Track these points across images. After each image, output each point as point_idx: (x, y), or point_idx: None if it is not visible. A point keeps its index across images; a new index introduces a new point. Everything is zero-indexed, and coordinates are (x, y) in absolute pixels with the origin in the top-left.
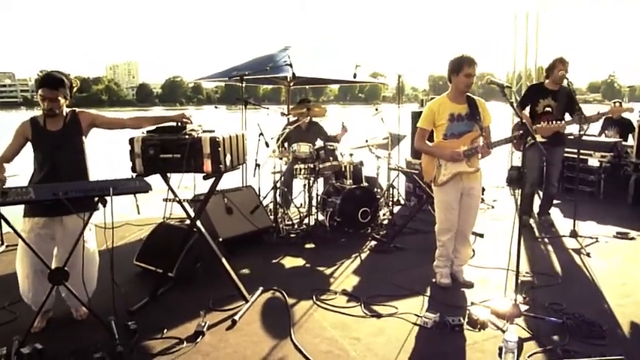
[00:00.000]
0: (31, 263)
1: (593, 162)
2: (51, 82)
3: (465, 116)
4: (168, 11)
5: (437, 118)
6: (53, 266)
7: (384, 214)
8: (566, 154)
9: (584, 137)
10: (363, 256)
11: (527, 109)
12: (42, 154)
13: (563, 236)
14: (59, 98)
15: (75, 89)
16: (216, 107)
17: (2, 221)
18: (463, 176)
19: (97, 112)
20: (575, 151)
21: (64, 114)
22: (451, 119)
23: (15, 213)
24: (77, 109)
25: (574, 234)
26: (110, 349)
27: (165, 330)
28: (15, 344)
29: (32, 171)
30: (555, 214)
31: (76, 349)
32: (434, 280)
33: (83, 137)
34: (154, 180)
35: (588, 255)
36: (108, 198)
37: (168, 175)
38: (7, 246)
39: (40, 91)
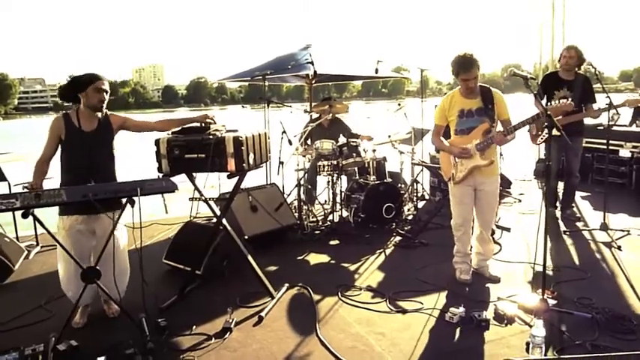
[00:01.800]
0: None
1: (625, 153)
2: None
3: (475, 112)
4: (189, 14)
5: (448, 113)
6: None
7: (408, 210)
8: (595, 145)
9: (615, 127)
10: (388, 251)
11: (543, 101)
12: (75, 153)
13: (593, 229)
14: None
15: None
16: (243, 107)
17: (37, 222)
18: (475, 171)
19: (126, 115)
20: (605, 141)
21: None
22: (460, 115)
23: (48, 211)
24: (108, 112)
25: (604, 227)
26: (141, 345)
27: (194, 326)
28: (51, 341)
29: (60, 171)
30: (585, 206)
31: (109, 346)
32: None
33: (113, 139)
34: (180, 180)
35: (619, 248)
36: (136, 198)
37: (194, 174)
38: (41, 247)
39: (98, 84)
